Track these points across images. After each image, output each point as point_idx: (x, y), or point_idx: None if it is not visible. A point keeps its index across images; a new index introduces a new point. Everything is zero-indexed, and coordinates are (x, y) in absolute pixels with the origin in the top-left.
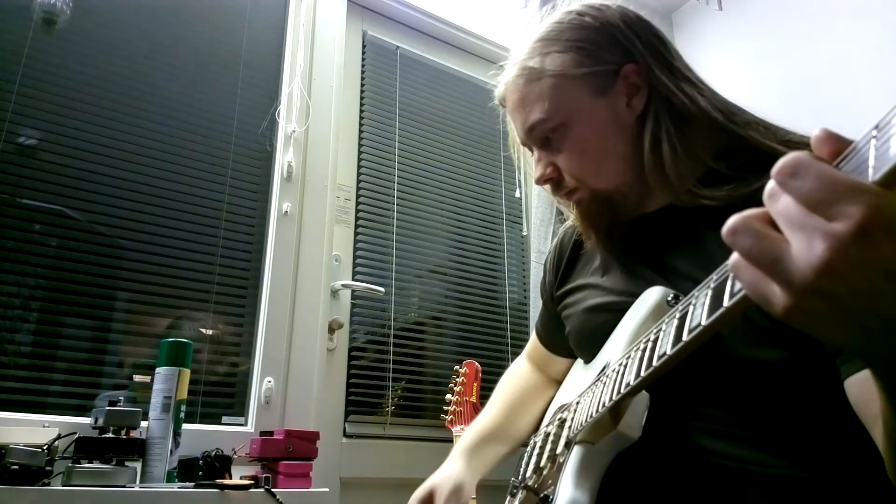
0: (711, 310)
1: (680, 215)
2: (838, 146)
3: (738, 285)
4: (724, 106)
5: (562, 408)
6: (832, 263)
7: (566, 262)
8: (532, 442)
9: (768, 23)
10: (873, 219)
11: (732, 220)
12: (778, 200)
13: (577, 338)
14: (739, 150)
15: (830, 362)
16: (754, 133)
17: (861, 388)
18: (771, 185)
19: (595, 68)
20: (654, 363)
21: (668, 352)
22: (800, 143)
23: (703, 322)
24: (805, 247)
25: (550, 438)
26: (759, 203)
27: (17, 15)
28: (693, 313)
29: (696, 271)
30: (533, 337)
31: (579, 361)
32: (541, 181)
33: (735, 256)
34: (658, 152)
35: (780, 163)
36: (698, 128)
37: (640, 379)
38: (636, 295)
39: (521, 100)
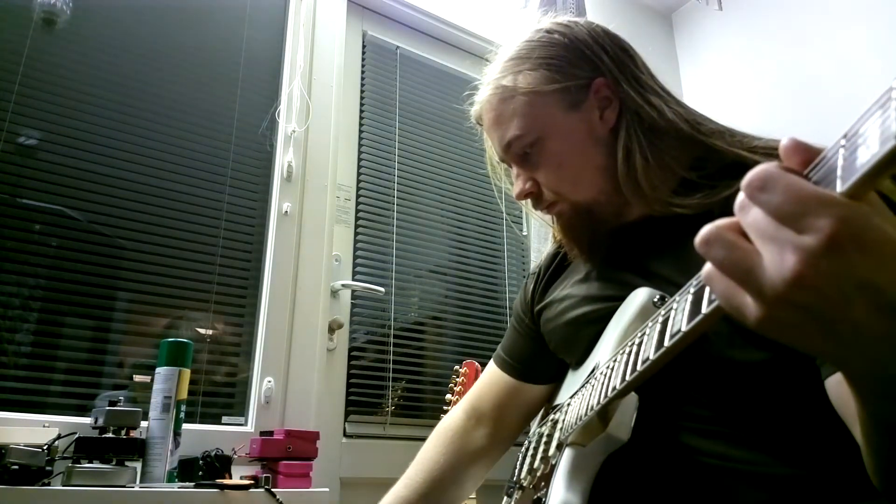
0: (691, 316)
1: (658, 224)
2: (807, 156)
3: (714, 295)
4: (689, 116)
5: (554, 408)
6: (803, 276)
7: (547, 278)
8: (526, 442)
9: (768, 23)
10: (842, 231)
11: (705, 231)
12: (748, 213)
13: (563, 346)
14: (708, 160)
15: (811, 363)
16: (720, 142)
17: (839, 388)
18: (741, 197)
19: (566, 83)
20: (639, 367)
21: (652, 357)
22: (766, 148)
23: (683, 328)
24: (776, 259)
25: (543, 439)
26: (732, 210)
27: (17, 15)
28: (674, 318)
29: (679, 276)
30: (486, 376)
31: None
32: (521, 196)
33: (708, 266)
34: (631, 163)
35: (750, 175)
36: (667, 139)
37: (625, 383)
38: (622, 298)
39: (497, 118)
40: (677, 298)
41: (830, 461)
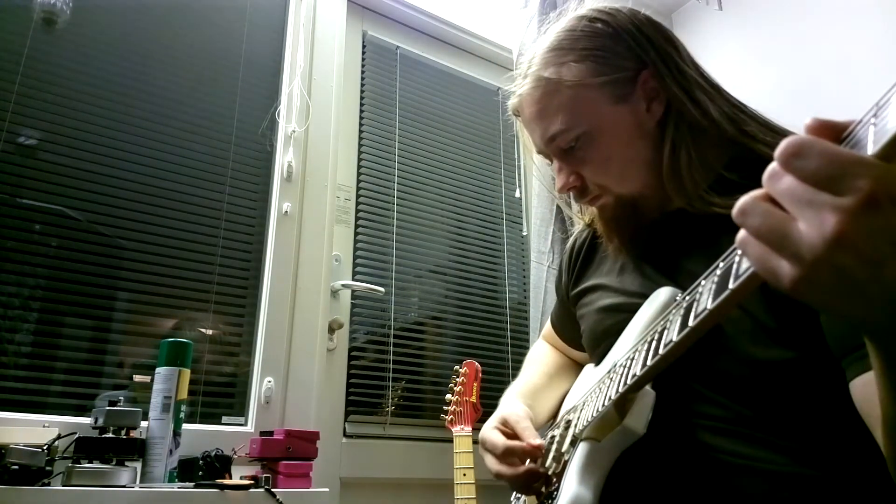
0: (717, 294)
1: (694, 221)
2: (835, 129)
3: (743, 267)
4: (734, 114)
5: (570, 410)
6: (844, 235)
7: (581, 262)
8: (548, 442)
9: (768, 23)
10: (881, 190)
11: (742, 202)
12: (780, 180)
13: (589, 338)
14: (750, 161)
15: (836, 363)
16: (760, 145)
17: (865, 388)
18: (773, 166)
19: (613, 76)
20: (661, 351)
21: (675, 339)
22: None
23: (709, 306)
24: (815, 222)
25: (556, 440)
26: None
27: (17, 15)
28: (700, 300)
29: None
30: (548, 326)
31: (589, 365)
32: (564, 190)
33: (742, 234)
34: (676, 157)
35: (784, 144)
36: (710, 136)
37: (646, 368)
38: (646, 296)
39: (540, 111)
40: (702, 282)
41: (850, 464)
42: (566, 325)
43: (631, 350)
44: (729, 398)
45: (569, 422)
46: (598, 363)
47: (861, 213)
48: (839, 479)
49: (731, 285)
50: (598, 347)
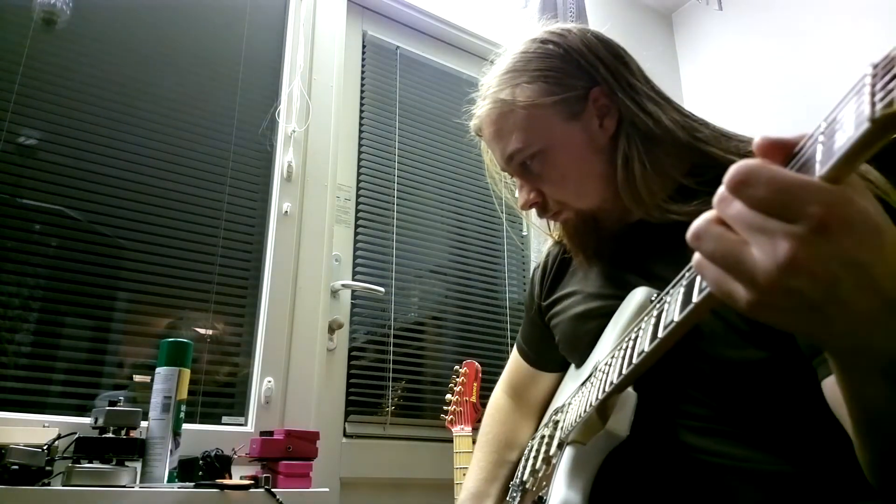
0: (683, 306)
1: (657, 229)
2: (784, 147)
3: (704, 283)
4: (686, 123)
5: (556, 410)
6: (797, 261)
7: (553, 275)
8: (529, 445)
9: (768, 23)
10: (829, 215)
11: (695, 226)
12: (730, 205)
13: (567, 343)
14: (706, 166)
15: (808, 363)
16: (715, 148)
17: (835, 388)
18: (722, 190)
19: (564, 95)
20: (634, 361)
21: (646, 349)
22: None
23: (676, 318)
24: (768, 248)
25: (545, 441)
26: None
27: (17, 15)
28: (668, 311)
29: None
30: (513, 359)
31: (573, 366)
32: (525, 206)
33: (698, 257)
34: (629, 170)
35: (732, 171)
36: (664, 146)
37: (622, 377)
38: (622, 297)
39: (497, 132)
40: (670, 291)
41: (827, 459)
42: (537, 345)
43: (609, 355)
44: (708, 398)
45: (556, 423)
46: (579, 365)
47: (813, 239)
48: (818, 476)
49: (694, 299)
50: (577, 351)
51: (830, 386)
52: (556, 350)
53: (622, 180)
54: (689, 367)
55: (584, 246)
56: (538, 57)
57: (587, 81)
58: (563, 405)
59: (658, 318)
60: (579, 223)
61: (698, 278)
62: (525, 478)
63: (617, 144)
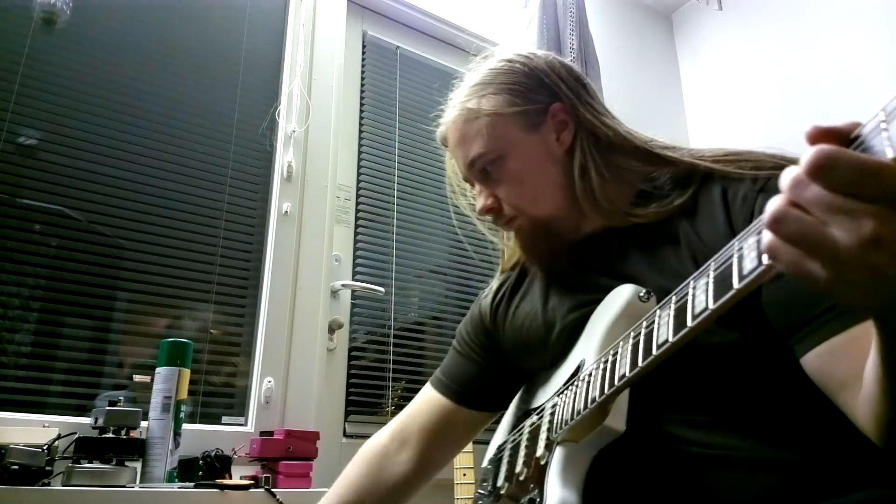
0: (719, 293)
1: (619, 233)
2: (838, 133)
3: (747, 268)
4: (640, 135)
5: (530, 412)
6: (881, 238)
7: (506, 296)
8: (496, 451)
9: (768, 23)
10: None
11: (774, 210)
12: (807, 188)
13: (529, 348)
14: (662, 171)
15: (782, 342)
16: (671, 153)
17: (821, 359)
18: (797, 175)
19: (526, 107)
20: (655, 352)
21: (671, 339)
22: (713, 156)
23: (711, 306)
24: (851, 226)
25: (524, 443)
26: (692, 213)
27: (17, 15)
28: (695, 299)
29: (654, 275)
30: (422, 399)
31: (540, 369)
32: (483, 211)
33: (771, 239)
34: (587, 180)
35: (811, 156)
36: (623, 154)
37: (637, 368)
38: (596, 300)
39: (462, 137)
40: (691, 283)
41: (813, 440)
42: (463, 375)
43: (607, 351)
44: (690, 388)
45: (535, 426)
46: (550, 366)
47: (894, 216)
48: (805, 457)
49: (736, 285)
50: (543, 357)
51: (815, 358)
52: (491, 387)
53: (581, 190)
54: (670, 357)
55: (539, 252)
56: (505, 72)
57: (548, 97)
58: (542, 406)
59: (681, 308)
60: (533, 231)
61: (734, 265)
62: (500, 483)
63: (573, 157)
